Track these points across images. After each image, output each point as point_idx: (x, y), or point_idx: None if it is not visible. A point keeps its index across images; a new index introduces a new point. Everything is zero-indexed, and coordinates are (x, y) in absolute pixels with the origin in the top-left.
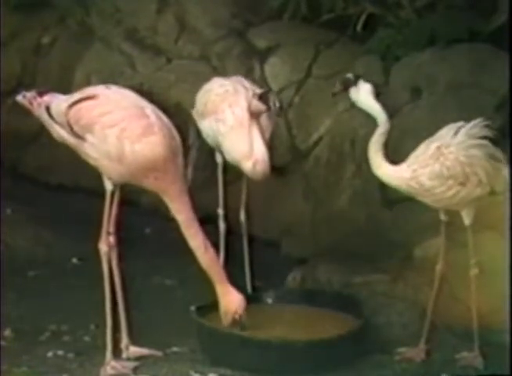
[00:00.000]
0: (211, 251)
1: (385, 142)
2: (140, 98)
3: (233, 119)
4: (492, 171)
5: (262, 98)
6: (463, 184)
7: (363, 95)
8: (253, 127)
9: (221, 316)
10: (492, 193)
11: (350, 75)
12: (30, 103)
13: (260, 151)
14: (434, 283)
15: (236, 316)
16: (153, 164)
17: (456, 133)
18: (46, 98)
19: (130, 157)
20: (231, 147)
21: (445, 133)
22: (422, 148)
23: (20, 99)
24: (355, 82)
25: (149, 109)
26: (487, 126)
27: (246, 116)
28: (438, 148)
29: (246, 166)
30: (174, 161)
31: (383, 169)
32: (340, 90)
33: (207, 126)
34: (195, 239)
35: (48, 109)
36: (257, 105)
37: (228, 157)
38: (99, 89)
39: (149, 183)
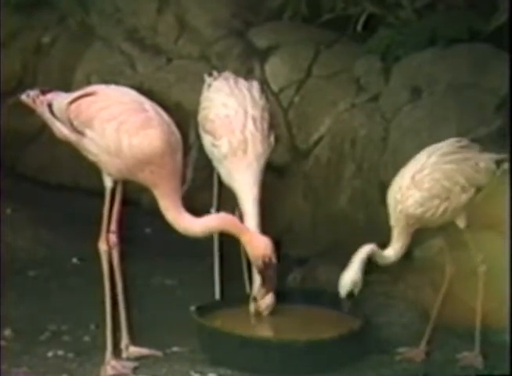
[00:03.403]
0: (215, 217)
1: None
2: (139, 95)
3: (228, 148)
4: (470, 173)
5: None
6: (447, 198)
7: (350, 282)
8: None
9: (252, 263)
10: (478, 190)
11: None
12: (34, 102)
13: None
14: (443, 285)
15: (267, 259)
16: (149, 157)
17: (429, 156)
18: (48, 96)
19: (127, 151)
20: (225, 175)
21: (418, 159)
22: (397, 182)
23: (24, 98)
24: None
25: (148, 104)
26: (459, 141)
27: (240, 148)
28: (412, 177)
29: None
30: (173, 157)
31: (395, 255)
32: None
33: (205, 141)
34: (194, 228)
35: (50, 106)
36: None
37: (224, 181)
38: (98, 87)
39: (144, 177)
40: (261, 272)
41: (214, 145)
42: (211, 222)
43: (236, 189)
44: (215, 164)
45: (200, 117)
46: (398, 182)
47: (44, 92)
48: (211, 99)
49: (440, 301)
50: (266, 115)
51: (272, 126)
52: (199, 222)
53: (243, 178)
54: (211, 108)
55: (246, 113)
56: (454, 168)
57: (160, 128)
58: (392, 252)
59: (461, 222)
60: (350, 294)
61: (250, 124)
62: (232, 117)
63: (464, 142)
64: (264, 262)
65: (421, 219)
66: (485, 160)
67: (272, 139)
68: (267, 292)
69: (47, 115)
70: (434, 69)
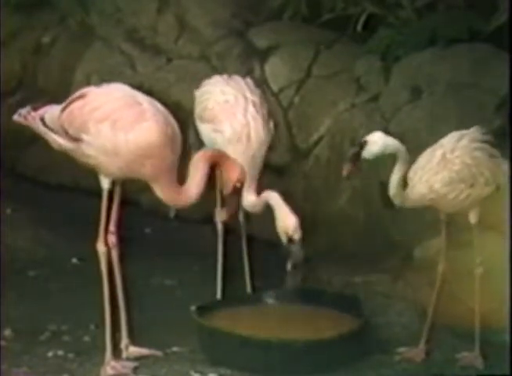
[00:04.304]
0: (198, 158)
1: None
2: (131, 89)
3: (231, 132)
4: (494, 169)
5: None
6: (472, 186)
7: (380, 143)
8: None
9: (223, 185)
10: (497, 188)
11: (355, 148)
12: (26, 119)
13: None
14: (436, 283)
15: (238, 184)
16: (147, 150)
17: (459, 139)
18: (40, 111)
19: (124, 147)
20: None
21: (448, 140)
22: (425, 158)
23: (17, 118)
24: (362, 147)
25: (141, 97)
26: (485, 132)
27: (244, 131)
28: (443, 155)
29: (245, 197)
30: (172, 148)
31: (404, 200)
32: (353, 168)
33: (204, 131)
34: (192, 197)
35: (42, 120)
36: (282, 237)
37: None
38: (88, 89)
39: (145, 172)
40: (228, 195)
41: (215, 130)
42: (198, 170)
43: None
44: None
45: (199, 109)
46: (427, 158)
47: (35, 109)
48: (209, 92)
49: (435, 299)
50: (264, 102)
51: (271, 114)
52: (191, 189)
53: (246, 165)
54: (210, 99)
55: (245, 97)
56: (482, 158)
57: (155, 119)
58: (405, 195)
59: (473, 218)
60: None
61: (250, 108)
62: (232, 102)
63: (489, 137)
64: (234, 187)
65: (441, 199)
66: (504, 163)
67: (271, 125)
68: (226, 215)
69: (41, 129)
70: (434, 69)
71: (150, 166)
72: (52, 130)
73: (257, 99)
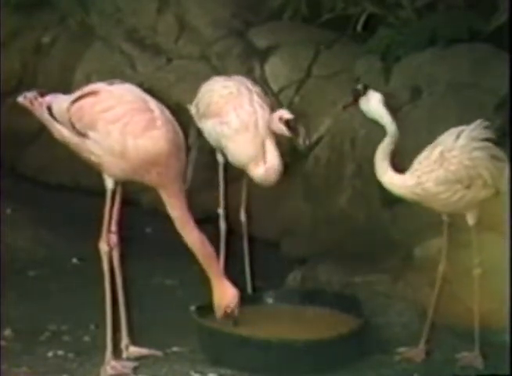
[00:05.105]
0: (208, 245)
1: (392, 150)
2: (141, 92)
3: (238, 122)
4: (495, 172)
5: (289, 124)
6: (468, 187)
7: (374, 104)
8: (268, 137)
9: (214, 309)
10: (497, 193)
11: (359, 86)
12: (31, 103)
13: (274, 160)
14: (436, 283)
15: (228, 310)
16: (155, 158)
17: (457, 137)
18: (47, 98)
19: (133, 152)
20: (236, 150)
21: (447, 137)
22: (424, 154)
23: (21, 100)
24: (364, 92)
25: (152, 102)
26: (487, 127)
27: (251, 120)
28: (441, 153)
29: (256, 171)
30: (178, 156)
31: (387, 177)
32: (351, 103)
33: (209, 127)
34: (191, 235)
35: (49, 109)
36: (282, 129)
37: (233, 160)
38: (100, 86)
39: (152, 179)
40: (220, 319)
41: (222, 122)
42: (201, 245)
43: (246, 165)
44: (223, 142)
45: (203, 106)
46: (426, 154)
47: (42, 94)
48: (211, 89)
49: (435, 299)
50: (266, 96)
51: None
52: (195, 236)
53: (256, 151)
54: (213, 95)
55: (248, 89)
56: (481, 158)
57: (165, 128)
58: (396, 179)
59: (471, 219)
60: None
61: (255, 97)
62: (235, 94)
63: (491, 134)
64: (225, 312)
65: (433, 198)
66: (508, 167)
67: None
68: None
69: (46, 117)
70: (434, 69)
71: (156, 174)
72: (58, 121)
73: (259, 90)
